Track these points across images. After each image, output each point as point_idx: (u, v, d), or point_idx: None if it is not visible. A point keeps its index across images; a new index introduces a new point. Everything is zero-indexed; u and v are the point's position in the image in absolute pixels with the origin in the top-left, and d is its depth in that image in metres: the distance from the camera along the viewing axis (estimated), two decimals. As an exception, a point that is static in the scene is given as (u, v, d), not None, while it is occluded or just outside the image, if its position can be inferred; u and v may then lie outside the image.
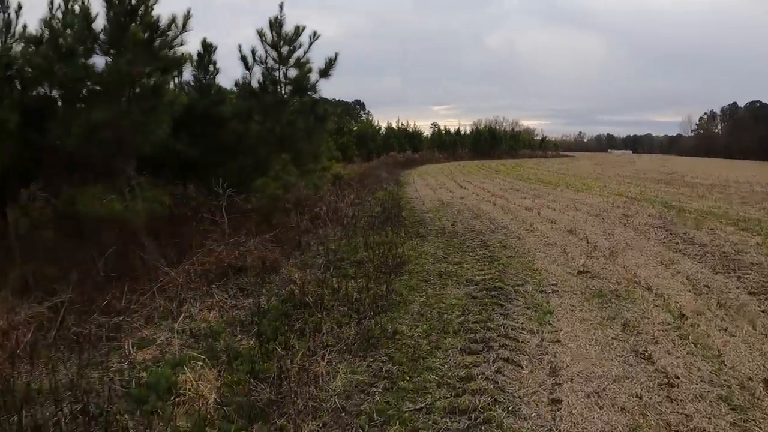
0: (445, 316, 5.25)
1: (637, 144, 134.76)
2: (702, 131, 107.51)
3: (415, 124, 53.85)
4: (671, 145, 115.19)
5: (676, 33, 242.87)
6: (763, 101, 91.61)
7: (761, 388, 3.66)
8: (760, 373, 3.93)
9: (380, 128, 42.14)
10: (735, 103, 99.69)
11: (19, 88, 6.21)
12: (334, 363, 4.15)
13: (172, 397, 3.59)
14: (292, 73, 9.73)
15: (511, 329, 4.82)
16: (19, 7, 6.20)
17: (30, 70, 5.77)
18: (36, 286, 5.15)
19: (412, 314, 5.28)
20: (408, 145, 41.60)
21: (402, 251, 7.71)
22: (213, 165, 8.72)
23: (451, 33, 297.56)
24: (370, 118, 58.51)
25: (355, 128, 36.93)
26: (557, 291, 6.03)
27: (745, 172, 34.89)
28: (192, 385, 3.69)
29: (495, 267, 7.14)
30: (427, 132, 52.82)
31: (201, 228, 7.78)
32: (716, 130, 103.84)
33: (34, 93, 6.32)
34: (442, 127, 52.40)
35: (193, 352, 4.30)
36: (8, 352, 4.27)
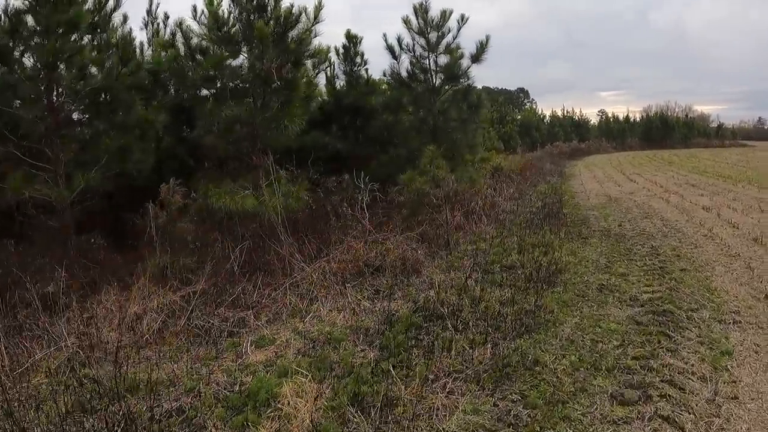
0: (600, 345, 4.23)
1: None
2: None
3: (581, 112, 50.34)
4: None
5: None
6: None
7: None
8: None
9: (544, 117, 40.66)
10: None
11: (172, 91, 6.62)
12: (455, 395, 3.49)
13: (269, 411, 3.30)
14: (443, 60, 9.39)
15: (678, 373, 3.68)
16: (166, 17, 6.61)
17: (168, 73, 6.06)
18: (173, 275, 5.41)
19: (560, 339, 4.36)
20: (574, 134, 39.31)
21: (559, 256, 6.71)
22: (363, 158, 8.65)
23: (615, 13, 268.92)
24: (534, 107, 55.93)
25: (518, 117, 35.44)
26: (739, 322, 4.60)
27: None
28: (290, 402, 3.36)
29: (666, 282, 5.76)
30: (594, 120, 49.14)
31: (342, 224, 7.64)
32: None
33: (184, 94, 6.68)
34: (609, 115, 47.84)
35: (304, 362, 3.99)
36: (136, 337, 4.47)
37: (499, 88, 72.57)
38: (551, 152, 29.20)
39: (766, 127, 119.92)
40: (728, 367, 3.79)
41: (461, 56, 9.31)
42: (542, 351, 4.12)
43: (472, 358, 3.93)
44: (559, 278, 5.98)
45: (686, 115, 59.89)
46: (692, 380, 3.60)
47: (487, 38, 9.18)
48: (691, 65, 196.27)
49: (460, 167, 9.44)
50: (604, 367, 3.84)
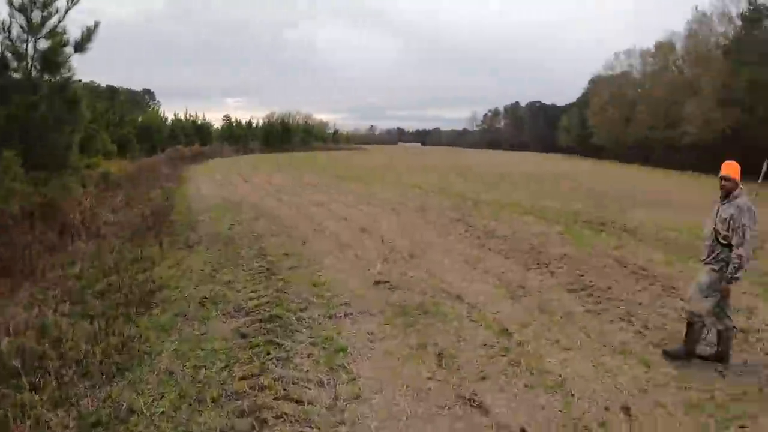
0: (203, 372, 3.58)
1: (426, 137, 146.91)
2: (486, 126, 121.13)
3: (203, 116, 49.58)
4: (458, 139, 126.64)
5: (468, 38, 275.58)
6: (543, 102, 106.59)
7: (623, 418, 3.01)
8: (616, 399, 3.30)
9: (167, 120, 38.29)
10: (517, 102, 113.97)
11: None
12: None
13: None
14: (43, 45, 7.17)
15: (293, 384, 3.42)
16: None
17: None
18: None
19: (158, 374, 3.54)
20: (196, 138, 38.32)
21: (160, 271, 5.81)
22: None
23: (254, 24, 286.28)
24: (159, 109, 51.99)
25: (139, 119, 32.15)
26: (350, 314, 4.80)
27: (527, 163, 39.46)
28: None
29: (273, 284, 5.62)
30: (218, 124, 49.28)
31: None
32: (500, 126, 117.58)
33: None
34: (234, 120, 49.01)
35: None
36: None
37: (125, 87, 68.64)
38: (172, 156, 27.88)
39: (376, 134, 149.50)
40: (345, 364, 3.72)
41: (65, 43, 7.39)
42: (137, 394, 3.25)
43: (55, 422, 2.92)
44: (158, 297, 5.10)
45: (306, 122, 68.38)
46: (309, 389, 3.36)
47: (96, 24, 7.54)
48: (317, 79, 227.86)
49: (55, 176, 7.42)
50: (209, 399, 3.20)
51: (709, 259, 3.93)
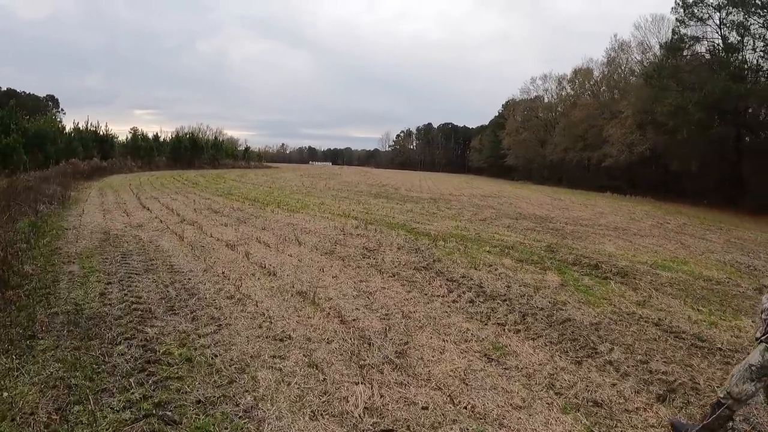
0: None
1: (337, 156, 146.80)
2: (398, 147, 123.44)
3: (106, 127, 43.91)
4: (369, 159, 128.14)
5: (382, 60, 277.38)
6: (454, 123, 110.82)
7: None
8: None
9: (64, 129, 33.61)
10: (430, 123, 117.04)
11: None
12: None
13: None
14: None
15: None
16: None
17: None
18: None
19: None
20: (97, 151, 33.33)
21: None
22: None
23: (165, 34, 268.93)
24: (56, 117, 45.66)
25: (31, 128, 27.01)
26: None
27: (448, 183, 38.33)
28: None
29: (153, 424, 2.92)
30: (122, 137, 43.82)
31: None
32: (412, 147, 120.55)
33: None
34: (140, 132, 43.66)
35: None
36: None
37: (28, 92, 65.41)
38: (65, 171, 23.43)
39: (287, 152, 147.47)
40: None
41: None
42: None
43: None
44: None
45: (216, 138, 63.82)
46: None
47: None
48: (228, 94, 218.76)
49: None
50: None
51: (765, 335, 2.97)
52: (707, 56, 31.01)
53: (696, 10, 30.90)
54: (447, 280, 6.84)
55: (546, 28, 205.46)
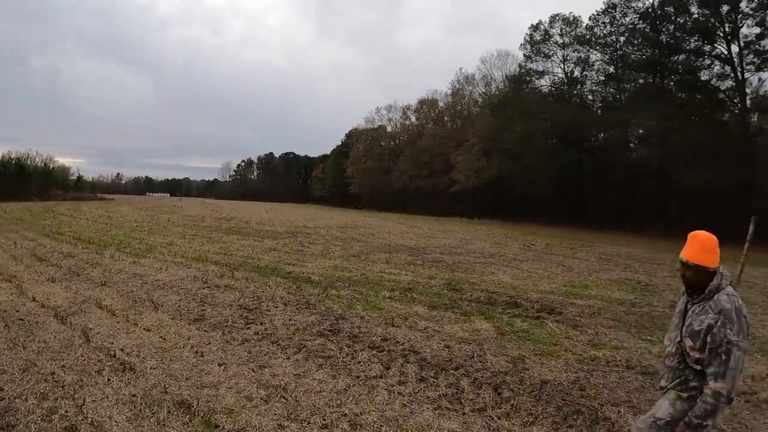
0: None
1: (175, 187, 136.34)
2: (239, 177, 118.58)
3: None
4: (209, 189, 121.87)
5: (225, 86, 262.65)
6: (296, 153, 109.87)
7: None
8: None
9: None
10: (271, 153, 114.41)
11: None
12: None
13: None
14: None
15: None
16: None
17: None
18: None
19: None
20: None
21: None
22: None
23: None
24: None
25: None
26: None
27: (296, 214, 36.30)
28: None
29: None
30: None
31: None
32: (253, 176, 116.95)
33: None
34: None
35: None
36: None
37: None
38: None
39: (123, 182, 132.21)
40: None
41: None
42: None
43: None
44: None
45: (46, 165, 54.01)
46: None
47: None
48: (60, 116, 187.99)
49: None
50: None
51: (673, 384, 2.53)
52: (552, 89, 35.07)
53: (543, 47, 34.92)
54: (370, 348, 5.19)
55: (387, 62, 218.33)
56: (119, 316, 6.13)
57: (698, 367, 2.42)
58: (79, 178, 65.74)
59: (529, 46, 34.35)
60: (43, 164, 53.68)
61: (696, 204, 26.87)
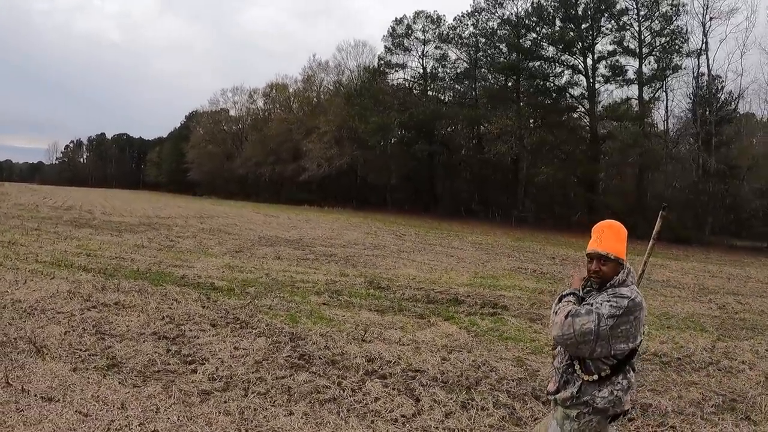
0: None
1: None
2: (67, 159, 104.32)
3: None
4: (34, 172, 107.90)
5: (54, 58, 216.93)
6: (130, 135, 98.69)
7: None
8: None
9: None
10: (103, 134, 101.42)
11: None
12: None
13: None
14: None
15: None
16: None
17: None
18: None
19: None
20: None
21: None
22: None
23: None
24: None
25: None
26: None
27: (138, 203, 32.50)
28: None
29: None
30: None
31: None
32: (82, 159, 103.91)
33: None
34: None
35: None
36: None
37: None
38: None
39: None
40: None
41: None
42: None
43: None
44: None
45: None
46: None
47: None
48: None
49: None
50: None
51: (559, 394, 2.15)
52: (410, 82, 36.37)
53: (405, 41, 35.93)
54: (367, 375, 4.38)
55: (230, 43, 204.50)
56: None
57: (594, 377, 2.09)
58: None
59: (391, 39, 35.33)
60: None
61: (544, 196, 30.85)
